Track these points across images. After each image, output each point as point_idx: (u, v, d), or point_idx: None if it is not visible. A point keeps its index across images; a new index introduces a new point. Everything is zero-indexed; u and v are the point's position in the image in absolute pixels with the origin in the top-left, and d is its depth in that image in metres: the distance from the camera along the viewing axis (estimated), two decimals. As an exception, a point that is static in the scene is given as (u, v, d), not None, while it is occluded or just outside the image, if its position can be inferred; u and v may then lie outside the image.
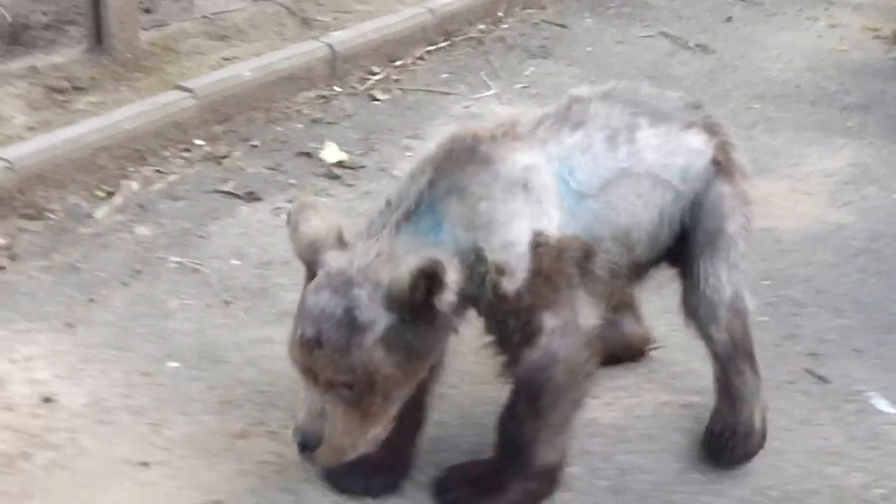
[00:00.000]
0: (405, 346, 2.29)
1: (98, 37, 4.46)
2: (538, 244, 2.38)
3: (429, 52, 5.41)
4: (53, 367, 2.92)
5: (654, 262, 2.73)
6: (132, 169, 3.96)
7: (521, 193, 2.41)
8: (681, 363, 3.11)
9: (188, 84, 4.28)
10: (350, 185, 4.05)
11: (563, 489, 2.59)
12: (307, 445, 2.34)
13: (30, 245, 3.48)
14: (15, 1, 4.96)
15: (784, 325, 3.35)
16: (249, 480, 2.60)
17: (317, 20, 5.18)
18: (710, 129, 2.69)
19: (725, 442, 2.72)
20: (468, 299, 2.40)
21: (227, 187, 3.94)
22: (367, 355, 2.25)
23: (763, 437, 2.74)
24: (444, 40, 5.53)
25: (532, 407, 2.44)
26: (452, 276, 2.24)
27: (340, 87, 4.85)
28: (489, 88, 5.06)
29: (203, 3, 5.24)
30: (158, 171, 4.00)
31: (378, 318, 2.26)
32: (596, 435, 2.82)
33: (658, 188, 2.58)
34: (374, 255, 2.32)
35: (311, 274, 2.39)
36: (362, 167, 4.19)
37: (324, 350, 2.26)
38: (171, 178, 3.97)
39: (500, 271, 2.36)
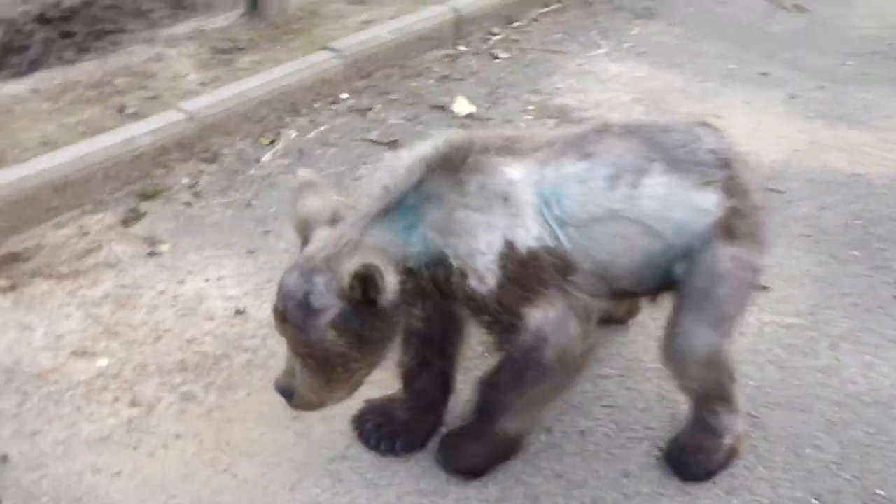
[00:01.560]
0: (355, 331, 2.38)
1: (254, 2, 4.82)
2: (508, 254, 2.40)
3: (543, 13, 5.66)
4: (242, 286, 3.30)
5: (648, 292, 2.69)
6: (289, 119, 4.32)
7: (500, 205, 2.42)
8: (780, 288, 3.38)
9: (335, 45, 4.62)
10: (480, 135, 4.35)
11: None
12: (283, 395, 2.51)
13: (209, 184, 3.86)
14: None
15: (873, 258, 3.57)
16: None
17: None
18: (731, 190, 2.51)
19: (689, 456, 2.70)
20: (415, 294, 2.44)
21: (372, 136, 4.26)
22: (319, 336, 2.37)
23: (729, 458, 2.70)
24: (557, 2, 5.78)
25: (514, 381, 2.49)
26: (390, 281, 2.33)
27: (465, 47, 5.15)
28: (600, 47, 5.30)
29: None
30: (312, 122, 4.35)
31: (330, 305, 2.35)
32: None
33: (647, 237, 2.49)
34: (343, 243, 2.40)
35: (303, 246, 2.51)
36: (490, 119, 4.46)
37: (288, 324, 2.40)
38: (323, 127, 4.31)
39: (464, 275, 2.40)
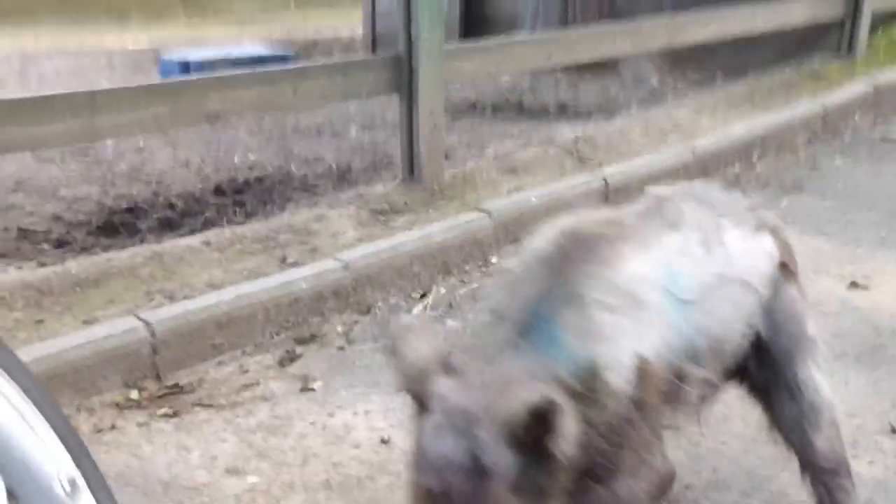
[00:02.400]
0: (535, 486, 1.99)
1: (411, 171, 5.15)
2: (639, 368, 2.08)
3: (689, 188, 5.83)
4: (388, 419, 3.43)
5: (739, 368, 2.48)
6: (440, 276, 4.54)
7: (631, 306, 2.11)
8: None
9: (486, 206, 4.87)
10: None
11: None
12: None
13: (362, 332, 4.06)
14: (337, 154, 5.82)
15: None
16: None
17: (591, 159, 5.71)
18: (774, 230, 2.49)
19: None
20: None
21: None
22: (497, 502, 1.94)
23: None
24: (702, 176, 5.94)
25: None
26: (569, 415, 1.91)
27: (613, 214, 5.33)
28: (748, 216, 5.40)
29: (492, 150, 5.91)
30: (461, 280, 4.56)
31: (505, 462, 1.93)
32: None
33: (747, 293, 2.37)
34: (491, 383, 1.98)
35: (420, 406, 2.08)
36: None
37: (453, 502, 1.94)
38: (472, 285, 4.51)
39: (614, 396, 2.05)
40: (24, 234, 4.64)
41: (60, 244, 4.53)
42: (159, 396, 3.53)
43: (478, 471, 1.90)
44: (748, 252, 2.39)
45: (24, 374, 2.02)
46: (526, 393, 1.90)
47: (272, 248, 4.43)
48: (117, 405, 3.46)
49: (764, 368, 2.43)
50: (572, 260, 2.12)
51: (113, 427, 3.34)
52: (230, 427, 3.37)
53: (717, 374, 2.35)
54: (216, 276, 4.14)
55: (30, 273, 4.05)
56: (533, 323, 2.05)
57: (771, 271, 2.42)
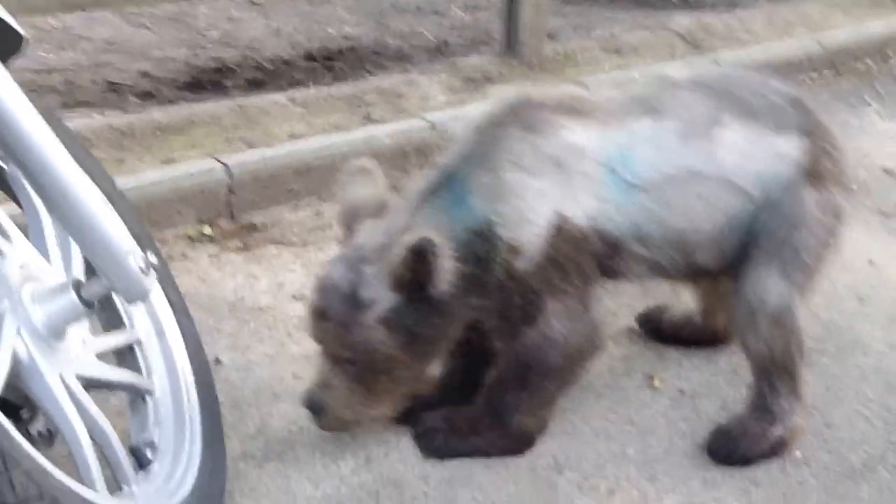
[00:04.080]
0: (407, 329, 2.29)
1: (509, 44, 5.18)
2: (558, 228, 2.31)
3: (812, 79, 5.71)
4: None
5: (732, 265, 2.56)
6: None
7: (554, 171, 2.32)
8: None
9: (586, 80, 4.87)
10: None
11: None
12: (312, 412, 2.44)
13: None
14: (435, 29, 5.87)
15: None
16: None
17: (705, 44, 5.64)
18: (808, 131, 2.48)
19: (735, 440, 2.57)
20: (474, 281, 2.34)
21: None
22: (367, 334, 2.28)
23: (776, 450, 2.56)
24: (830, 70, 5.81)
25: (520, 381, 2.44)
26: (447, 258, 2.22)
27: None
28: (870, 106, 5.28)
29: (600, 32, 5.88)
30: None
31: (381, 298, 2.27)
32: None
33: (726, 193, 2.44)
34: (395, 231, 2.30)
35: (346, 240, 2.46)
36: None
37: (329, 324, 2.31)
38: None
39: (513, 251, 2.31)
40: (112, 86, 4.85)
41: (146, 97, 4.71)
42: (232, 233, 3.70)
43: (354, 300, 2.27)
44: (746, 152, 2.42)
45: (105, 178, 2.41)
46: (409, 237, 2.20)
47: (357, 107, 4.54)
48: (190, 238, 3.64)
49: (742, 262, 2.51)
50: (502, 124, 2.36)
51: (184, 256, 3.52)
52: (299, 260, 3.51)
53: (673, 263, 2.48)
54: (298, 129, 4.27)
55: (115, 119, 4.24)
56: (446, 182, 2.34)
57: (781, 174, 2.44)
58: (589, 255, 2.38)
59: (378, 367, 2.34)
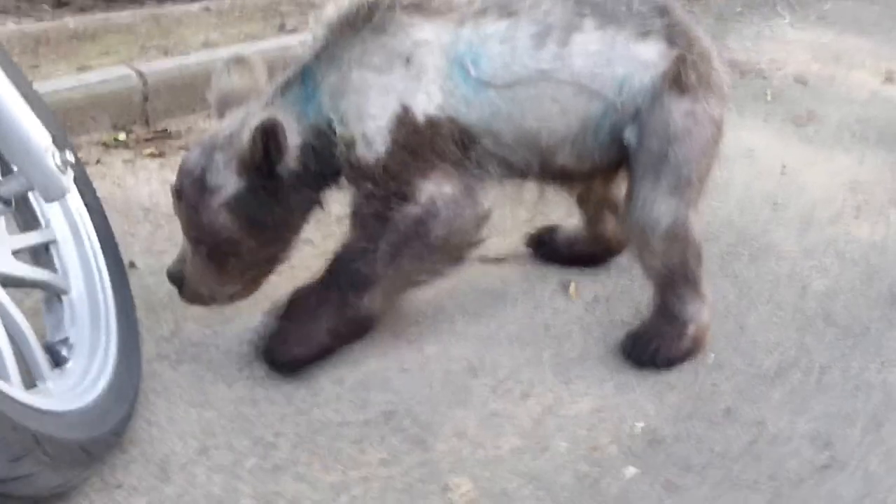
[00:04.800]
0: (250, 214, 2.38)
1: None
2: (403, 120, 2.35)
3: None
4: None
5: (596, 170, 2.60)
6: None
7: (401, 67, 2.36)
8: None
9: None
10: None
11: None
12: (173, 283, 2.55)
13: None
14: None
15: None
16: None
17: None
18: (673, 39, 2.44)
19: (648, 342, 2.62)
20: (325, 175, 2.44)
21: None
22: (212, 217, 2.37)
23: (693, 348, 2.63)
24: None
25: (391, 253, 2.41)
26: (292, 142, 2.34)
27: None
28: (783, 18, 5.36)
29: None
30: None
31: (227, 183, 2.37)
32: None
33: (582, 97, 2.42)
34: (250, 118, 2.37)
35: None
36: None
37: (182, 204, 2.41)
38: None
39: (350, 142, 2.37)
40: (23, -6, 4.71)
41: (61, 5, 4.62)
42: (146, 139, 3.68)
43: (202, 185, 2.37)
44: (602, 57, 2.40)
45: (22, 80, 2.37)
46: (255, 121, 2.30)
47: (272, 17, 4.50)
48: (104, 144, 3.62)
49: (628, 176, 2.53)
50: (350, 25, 2.38)
51: (98, 162, 3.50)
52: (215, 168, 3.46)
53: (527, 163, 2.49)
54: (213, 38, 4.23)
55: (28, 26, 4.18)
56: (298, 80, 2.41)
57: (643, 82, 2.41)
58: (444, 139, 2.39)
59: (224, 249, 2.42)
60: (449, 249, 2.47)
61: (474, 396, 2.51)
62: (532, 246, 3.09)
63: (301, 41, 4.06)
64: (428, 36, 2.38)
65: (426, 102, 2.36)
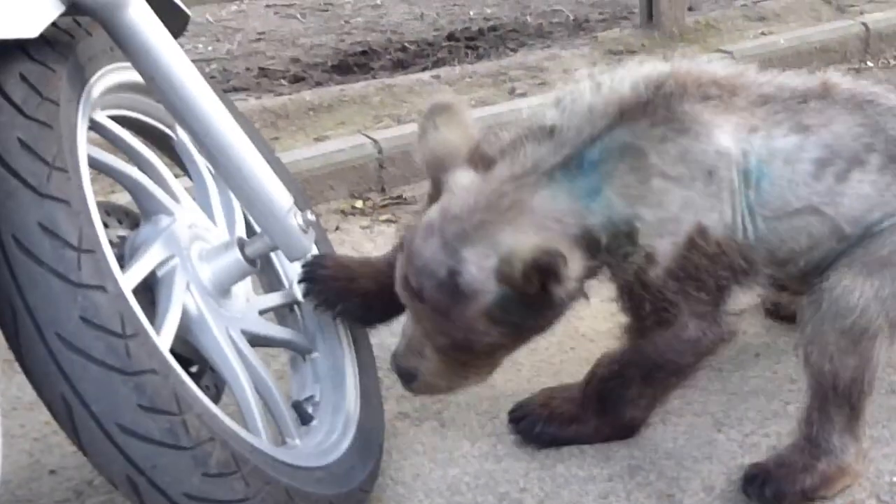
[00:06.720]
0: (513, 321, 2.07)
1: (650, 16, 5.10)
2: (696, 241, 2.09)
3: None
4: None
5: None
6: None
7: (703, 182, 2.08)
8: None
9: (728, 48, 4.76)
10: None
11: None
12: (401, 378, 2.28)
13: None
14: (575, 6, 5.84)
15: None
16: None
17: (852, 7, 5.44)
18: None
19: (767, 473, 2.22)
20: (598, 269, 2.17)
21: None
22: (467, 325, 2.04)
23: (818, 488, 2.19)
24: None
25: (646, 378, 2.28)
26: (573, 269, 1.99)
27: (873, 63, 5.08)
28: None
29: (742, 0, 5.73)
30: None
31: (485, 291, 2.01)
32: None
33: (833, 237, 2.18)
34: (505, 205, 2.01)
35: (434, 191, 2.18)
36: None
37: (425, 305, 2.07)
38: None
39: (650, 258, 2.10)
40: (264, 72, 4.97)
41: (297, 80, 4.82)
42: (382, 206, 3.75)
43: (452, 289, 2.00)
44: (868, 202, 2.15)
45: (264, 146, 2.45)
46: (533, 241, 1.96)
47: (502, 83, 4.54)
48: (342, 212, 3.70)
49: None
50: (649, 111, 2.05)
51: (338, 229, 3.59)
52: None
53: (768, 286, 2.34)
54: (444, 105, 4.26)
55: (268, 101, 4.36)
56: (579, 162, 2.05)
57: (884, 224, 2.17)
58: (726, 267, 2.16)
59: (477, 352, 2.15)
60: (699, 365, 2.32)
61: (721, 450, 2.41)
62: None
63: (529, 105, 4.16)
64: (729, 143, 2.09)
65: (719, 223, 2.11)
